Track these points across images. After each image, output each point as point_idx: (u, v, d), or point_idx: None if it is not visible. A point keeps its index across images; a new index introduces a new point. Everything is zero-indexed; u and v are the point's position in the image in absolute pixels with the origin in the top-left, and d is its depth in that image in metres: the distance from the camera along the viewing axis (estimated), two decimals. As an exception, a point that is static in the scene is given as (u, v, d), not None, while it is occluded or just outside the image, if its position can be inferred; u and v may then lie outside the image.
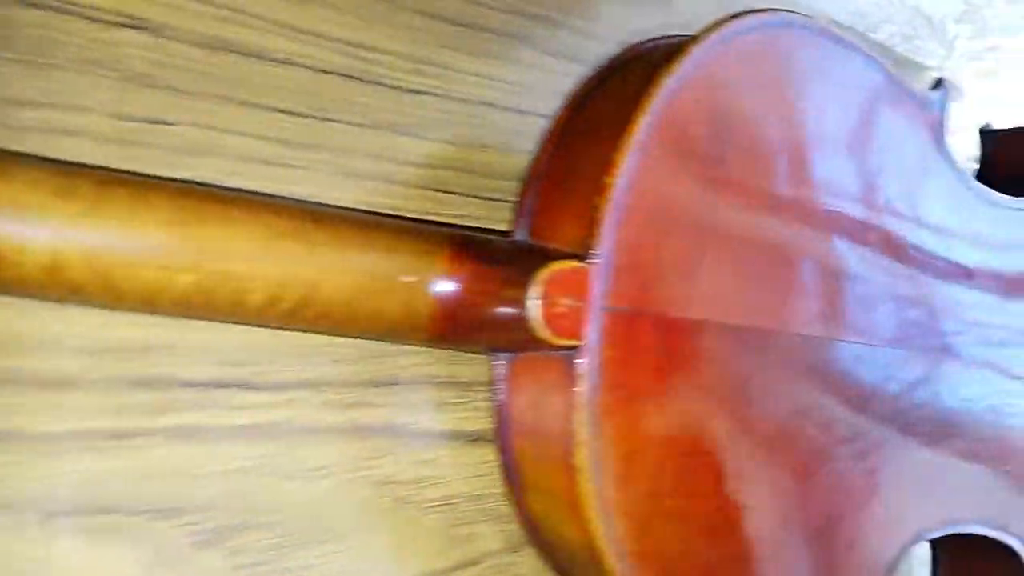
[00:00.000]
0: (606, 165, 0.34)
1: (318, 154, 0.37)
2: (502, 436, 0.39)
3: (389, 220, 0.35)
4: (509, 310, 0.34)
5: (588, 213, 0.34)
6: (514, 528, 0.41)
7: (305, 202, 0.35)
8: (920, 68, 0.79)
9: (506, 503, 0.40)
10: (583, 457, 0.34)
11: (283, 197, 0.34)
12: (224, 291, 0.30)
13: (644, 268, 0.35)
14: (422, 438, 0.39)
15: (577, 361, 0.34)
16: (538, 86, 0.44)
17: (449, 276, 0.34)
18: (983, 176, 0.57)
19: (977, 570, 0.55)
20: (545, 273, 0.33)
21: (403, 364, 0.39)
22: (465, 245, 0.35)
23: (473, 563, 0.40)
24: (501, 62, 0.43)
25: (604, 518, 0.34)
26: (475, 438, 0.40)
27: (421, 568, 0.38)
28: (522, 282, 0.33)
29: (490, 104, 0.43)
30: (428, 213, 0.40)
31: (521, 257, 0.35)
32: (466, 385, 0.40)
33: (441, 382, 0.40)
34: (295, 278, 0.31)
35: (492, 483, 0.40)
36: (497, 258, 0.35)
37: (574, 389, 0.34)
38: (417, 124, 0.40)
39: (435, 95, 0.41)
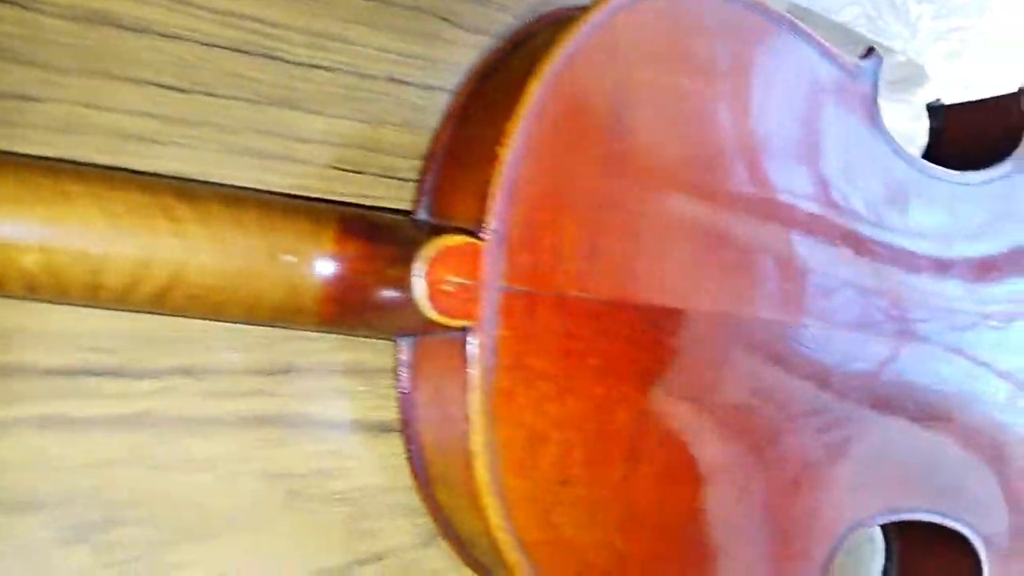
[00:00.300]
0: (499, 136, 0.33)
1: (203, 131, 0.35)
2: (407, 425, 0.38)
3: (270, 197, 0.33)
4: (395, 290, 0.32)
5: (481, 188, 0.33)
6: (426, 521, 0.39)
7: (173, 178, 0.33)
8: (885, 51, 0.77)
9: (416, 495, 0.38)
10: (477, 442, 0.32)
11: (149, 173, 0.33)
12: (77, 272, 0.28)
13: (544, 245, 0.34)
14: (322, 429, 0.37)
15: (469, 342, 0.32)
16: (452, 62, 0.42)
17: (334, 256, 0.32)
18: (933, 153, 0.55)
19: (930, 559, 0.53)
20: (430, 249, 0.31)
21: (301, 350, 0.37)
22: (354, 223, 0.33)
23: (378, 558, 0.38)
24: (412, 37, 0.41)
25: (502, 506, 0.33)
26: (383, 428, 0.38)
27: (319, 564, 0.36)
28: (408, 260, 0.31)
29: (400, 80, 0.41)
30: (332, 193, 0.39)
31: (412, 235, 0.34)
32: (373, 372, 0.38)
33: (345, 370, 0.38)
34: (158, 258, 0.29)
35: (401, 475, 0.38)
36: (387, 236, 0.33)
37: (467, 371, 0.32)
38: (317, 100, 0.38)
39: (337, 71, 0.39)
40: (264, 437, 0.35)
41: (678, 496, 0.38)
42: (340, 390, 0.38)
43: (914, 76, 0.84)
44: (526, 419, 0.33)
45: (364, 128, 0.40)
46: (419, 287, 0.31)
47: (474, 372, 0.32)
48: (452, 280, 0.31)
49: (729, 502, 0.40)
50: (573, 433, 0.34)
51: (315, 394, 0.37)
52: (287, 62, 0.38)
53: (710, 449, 0.39)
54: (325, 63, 0.39)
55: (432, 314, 0.31)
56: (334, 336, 0.37)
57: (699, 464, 0.38)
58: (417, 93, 0.41)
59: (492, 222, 0.32)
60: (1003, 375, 0.53)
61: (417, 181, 0.37)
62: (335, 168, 0.39)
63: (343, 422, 0.38)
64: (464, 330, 0.32)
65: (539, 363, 0.33)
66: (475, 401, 0.32)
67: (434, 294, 0.31)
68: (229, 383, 0.35)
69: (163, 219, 0.29)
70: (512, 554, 0.33)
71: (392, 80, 0.41)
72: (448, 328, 0.32)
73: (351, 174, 0.39)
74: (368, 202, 0.39)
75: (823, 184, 0.42)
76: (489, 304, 0.32)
